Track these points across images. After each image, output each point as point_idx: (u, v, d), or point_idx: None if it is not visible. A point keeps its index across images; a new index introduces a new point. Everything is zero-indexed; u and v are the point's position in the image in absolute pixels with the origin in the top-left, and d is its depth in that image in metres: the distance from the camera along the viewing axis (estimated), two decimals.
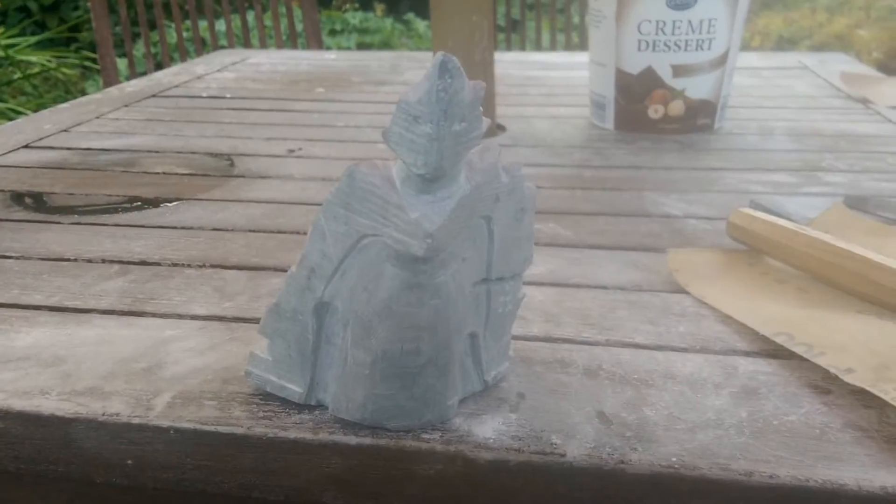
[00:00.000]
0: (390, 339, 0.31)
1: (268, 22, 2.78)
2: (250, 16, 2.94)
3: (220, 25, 2.99)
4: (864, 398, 0.35)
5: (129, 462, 0.35)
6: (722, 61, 0.78)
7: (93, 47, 2.92)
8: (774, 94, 1.00)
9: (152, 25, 2.96)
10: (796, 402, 0.35)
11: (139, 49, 2.62)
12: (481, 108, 0.29)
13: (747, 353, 0.39)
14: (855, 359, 0.37)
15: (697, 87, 0.78)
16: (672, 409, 0.35)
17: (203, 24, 2.71)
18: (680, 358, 0.39)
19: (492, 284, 0.34)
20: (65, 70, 2.71)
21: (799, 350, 0.38)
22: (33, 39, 2.82)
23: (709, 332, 0.41)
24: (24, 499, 0.38)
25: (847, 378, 0.35)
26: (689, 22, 0.75)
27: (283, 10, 2.66)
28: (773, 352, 0.39)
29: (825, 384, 0.37)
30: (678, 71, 0.77)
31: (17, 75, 2.61)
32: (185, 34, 2.00)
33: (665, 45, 0.76)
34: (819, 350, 0.38)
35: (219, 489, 0.35)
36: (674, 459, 0.31)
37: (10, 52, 2.57)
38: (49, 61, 2.66)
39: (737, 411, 0.35)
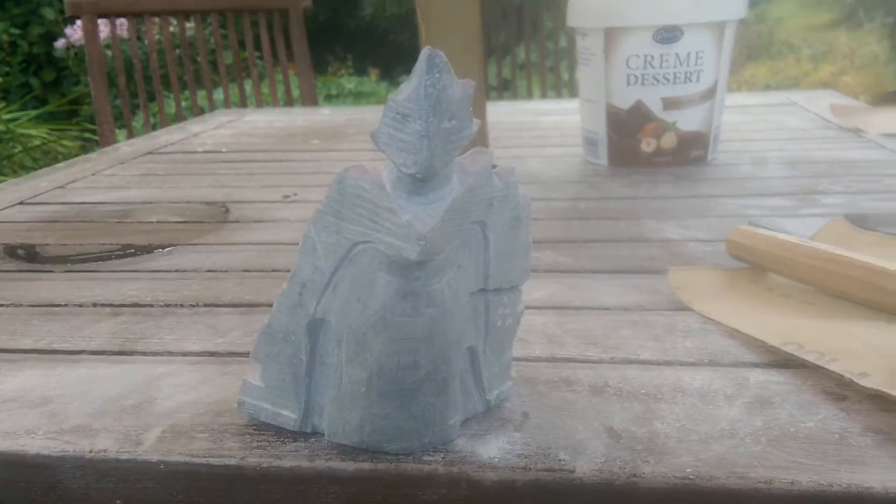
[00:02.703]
0: (386, 351, 0.30)
1: (265, 89, 2.84)
2: (248, 84, 3.01)
3: (218, 94, 3.05)
4: (881, 402, 0.34)
5: (118, 502, 0.33)
6: (711, 93, 0.79)
7: (93, 120, 2.97)
8: (765, 127, 1.01)
9: (151, 97, 3.02)
10: (812, 410, 0.34)
11: (138, 120, 2.66)
12: (471, 108, 0.29)
13: (757, 365, 0.38)
14: (868, 363, 0.36)
15: (689, 119, 0.79)
16: (684, 421, 0.33)
17: (201, 93, 2.76)
18: (689, 372, 0.38)
19: (490, 295, 0.33)
20: (65, 143, 2.75)
21: (810, 358, 0.37)
22: (34, 113, 2.87)
23: (716, 347, 0.40)
24: None
25: (862, 382, 0.34)
26: (677, 55, 0.76)
27: (279, 77, 2.72)
28: (784, 362, 0.38)
29: (840, 390, 0.35)
30: (668, 104, 0.78)
31: (18, 149, 2.64)
32: (183, 103, 2.04)
33: (654, 78, 0.77)
34: (831, 356, 0.37)
35: None
36: (689, 471, 0.30)
37: (12, 126, 2.61)
38: (49, 134, 2.70)
39: (751, 421, 0.33)
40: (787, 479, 0.29)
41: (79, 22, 2.94)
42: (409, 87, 0.27)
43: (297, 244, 0.31)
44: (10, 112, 2.84)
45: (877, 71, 3.99)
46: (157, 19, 1.72)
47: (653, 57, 0.76)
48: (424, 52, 0.27)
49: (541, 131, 1.07)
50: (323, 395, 0.33)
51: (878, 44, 4.29)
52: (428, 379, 0.31)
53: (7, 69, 3.97)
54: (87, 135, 2.96)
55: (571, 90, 1.77)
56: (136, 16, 1.68)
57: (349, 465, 0.31)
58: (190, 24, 2.21)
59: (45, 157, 2.83)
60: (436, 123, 0.27)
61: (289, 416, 0.33)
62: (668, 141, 0.79)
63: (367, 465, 0.31)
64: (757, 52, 4.48)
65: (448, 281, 0.30)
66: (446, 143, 0.28)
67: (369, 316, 0.30)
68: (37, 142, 2.67)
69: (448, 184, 0.29)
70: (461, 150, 0.29)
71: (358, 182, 0.29)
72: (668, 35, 0.75)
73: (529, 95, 2.08)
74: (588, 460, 0.31)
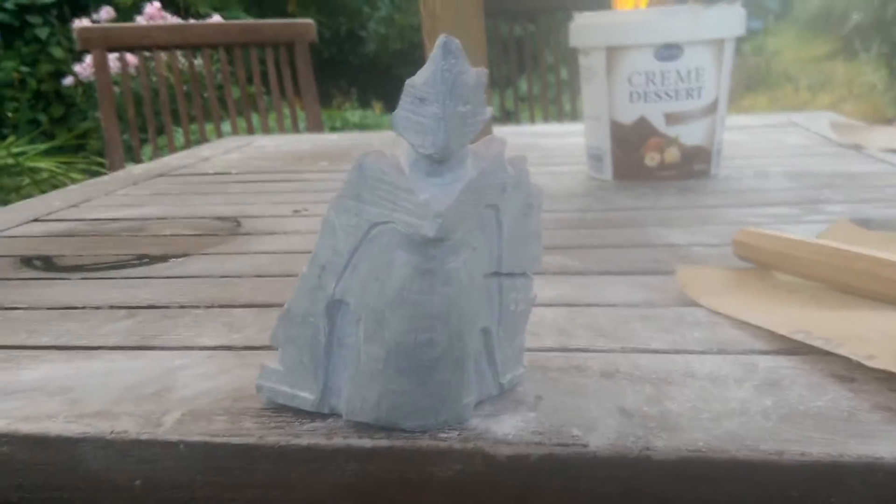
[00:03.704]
0: (404, 329, 0.31)
1: (272, 122, 2.88)
2: (255, 117, 3.05)
3: (226, 127, 3.09)
4: (889, 383, 0.34)
5: (138, 483, 0.33)
6: (713, 109, 0.80)
7: (101, 153, 3.00)
8: (767, 145, 1.02)
9: (160, 130, 3.06)
10: (821, 391, 0.34)
11: (146, 153, 2.70)
12: (485, 95, 0.30)
13: (766, 352, 0.39)
14: (876, 346, 0.36)
15: (691, 134, 0.80)
16: (694, 401, 0.34)
17: (209, 126, 2.80)
18: (698, 359, 0.38)
19: (503, 279, 0.34)
20: (73, 175, 2.78)
21: (818, 344, 0.38)
22: (42, 147, 2.91)
23: (725, 336, 0.41)
24: None
25: (870, 364, 0.35)
26: (678, 71, 0.78)
27: (286, 110, 2.76)
28: (792, 349, 0.39)
29: (848, 373, 0.36)
30: (671, 119, 0.79)
31: (27, 182, 2.67)
32: (192, 136, 2.07)
33: (656, 94, 0.78)
34: (838, 342, 0.37)
35: None
36: (700, 444, 0.30)
37: (20, 159, 2.64)
38: (57, 167, 2.74)
39: (761, 401, 0.34)
40: (798, 451, 0.30)
41: (87, 58, 3.00)
42: (426, 72, 0.28)
43: (310, 253, 0.32)
44: (19, 146, 2.88)
45: (875, 99, 4.04)
46: (164, 54, 1.75)
47: (654, 74, 0.78)
48: (440, 40, 0.28)
49: (545, 151, 1.09)
50: (341, 377, 0.33)
51: (875, 73, 4.35)
52: (444, 356, 0.31)
53: (16, 105, 4.04)
54: (94, 167, 3.00)
55: (574, 119, 1.80)
56: (145, 50, 1.71)
57: (366, 442, 0.32)
58: (198, 62, 2.25)
59: (54, 190, 2.86)
60: (451, 106, 0.28)
61: (307, 397, 0.34)
62: (672, 155, 0.81)
63: (383, 442, 0.32)
64: (755, 82, 4.54)
65: (464, 261, 0.31)
66: (461, 125, 0.29)
67: (387, 294, 0.31)
68: (45, 174, 2.70)
69: (463, 166, 0.30)
70: (475, 133, 0.30)
71: (377, 165, 0.30)
72: (668, 53, 0.77)
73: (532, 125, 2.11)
74: (601, 436, 0.31)
